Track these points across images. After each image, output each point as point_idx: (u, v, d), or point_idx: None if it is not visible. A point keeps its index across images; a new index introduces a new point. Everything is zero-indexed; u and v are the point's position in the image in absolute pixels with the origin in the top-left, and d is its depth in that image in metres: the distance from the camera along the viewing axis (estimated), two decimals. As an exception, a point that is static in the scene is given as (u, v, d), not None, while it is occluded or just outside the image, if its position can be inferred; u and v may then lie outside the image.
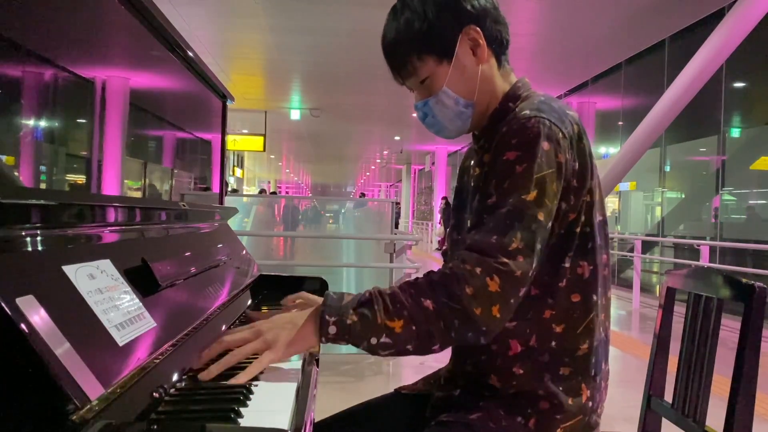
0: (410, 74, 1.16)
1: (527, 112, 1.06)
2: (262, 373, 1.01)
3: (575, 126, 1.10)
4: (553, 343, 1.11)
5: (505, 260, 0.98)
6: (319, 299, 1.33)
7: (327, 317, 0.99)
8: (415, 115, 1.29)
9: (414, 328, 0.98)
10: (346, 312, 0.99)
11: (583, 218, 1.10)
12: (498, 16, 1.16)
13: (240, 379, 0.94)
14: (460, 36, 1.13)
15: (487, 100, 1.17)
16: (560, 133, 1.05)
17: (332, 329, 0.98)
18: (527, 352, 1.11)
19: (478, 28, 1.13)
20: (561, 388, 1.10)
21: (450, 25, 1.13)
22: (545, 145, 1.03)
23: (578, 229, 1.10)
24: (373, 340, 0.98)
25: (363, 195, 28.35)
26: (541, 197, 1.02)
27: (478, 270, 0.98)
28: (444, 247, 1.53)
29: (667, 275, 1.45)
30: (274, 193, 30.29)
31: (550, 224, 1.04)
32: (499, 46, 1.17)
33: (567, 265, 1.10)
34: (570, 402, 1.10)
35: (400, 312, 0.98)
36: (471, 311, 0.96)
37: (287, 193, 44.38)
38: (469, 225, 1.18)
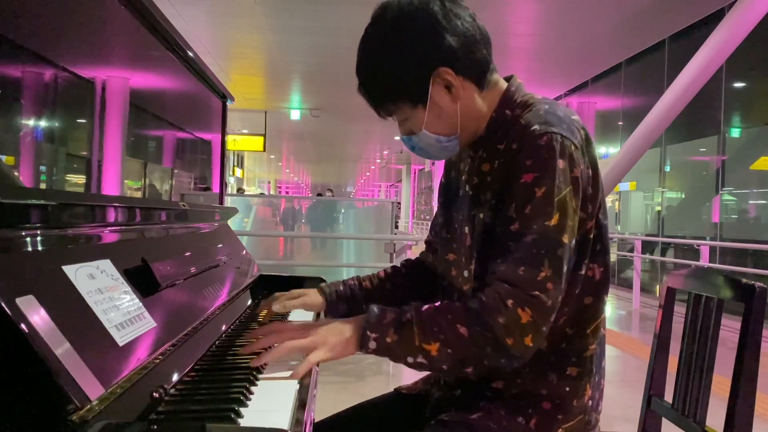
0: (388, 114, 1.14)
1: (537, 127, 1.03)
2: (261, 372, 1.02)
3: (582, 131, 1.08)
4: (564, 344, 1.11)
5: (536, 292, 0.99)
6: (297, 292, 1.33)
7: (368, 333, 1.03)
8: None
9: (450, 351, 1.00)
10: (386, 330, 1.02)
11: (594, 222, 1.09)
12: (472, 43, 1.08)
13: (298, 374, 1.00)
14: (432, 79, 1.07)
15: (474, 124, 1.14)
16: (572, 146, 1.03)
17: (372, 344, 1.03)
18: (536, 354, 1.10)
19: (449, 70, 1.07)
20: (567, 389, 1.10)
21: (419, 71, 1.07)
22: (560, 163, 1.02)
23: (592, 235, 1.09)
24: (410, 359, 1.02)
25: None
26: (564, 219, 1.01)
27: (509, 302, 0.99)
28: (429, 238, 1.52)
29: (667, 275, 1.46)
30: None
31: (573, 242, 1.04)
32: (478, 73, 1.11)
33: (582, 271, 1.09)
34: (574, 402, 1.10)
35: (437, 336, 1.01)
36: (503, 341, 0.98)
37: (287, 193, 44.38)
38: (467, 231, 1.17)
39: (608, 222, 1.14)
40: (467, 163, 1.21)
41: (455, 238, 1.21)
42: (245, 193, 18.41)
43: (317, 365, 1.09)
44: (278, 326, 1.10)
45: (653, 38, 8.60)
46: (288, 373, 1.01)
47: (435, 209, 1.39)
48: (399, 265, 1.42)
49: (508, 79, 1.18)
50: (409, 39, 1.07)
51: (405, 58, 1.07)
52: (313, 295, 1.33)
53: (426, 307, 1.05)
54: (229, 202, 5.70)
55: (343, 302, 1.34)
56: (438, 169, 19.32)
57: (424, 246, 1.44)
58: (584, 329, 1.11)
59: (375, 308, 1.06)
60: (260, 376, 1.00)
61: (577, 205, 1.03)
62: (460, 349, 1.00)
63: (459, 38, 1.07)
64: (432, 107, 1.09)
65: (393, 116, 1.15)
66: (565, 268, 1.01)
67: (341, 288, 1.35)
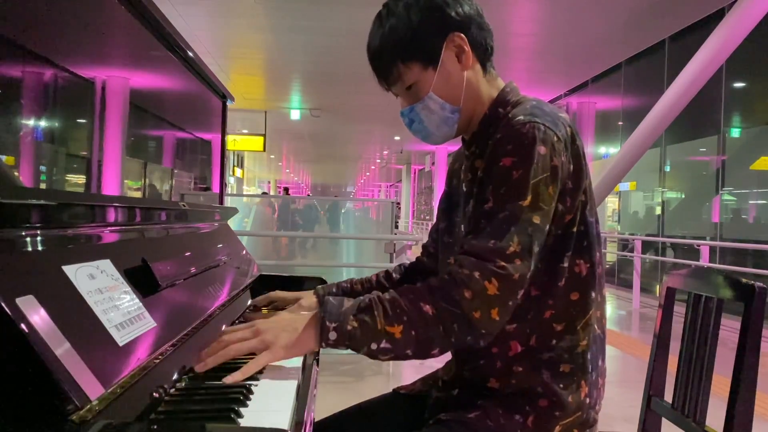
0: (396, 80, 1.17)
1: (521, 117, 1.07)
2: (260, 372, 1.02)
3: (568, 128, 1.11)
4: (553, 341, 1.12)
5: (503, 264, 1.00)
6: (293, 295, 1.36)
7: (327, 323, 0.99)
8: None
9: (413, 333, 0.98)
10: (346, 318, 0.99)
11: (578, 217, 1.11)
12: (482, 23, 1.16)
13: (236, 377, 0.94)
14: (445, 43, 1.13)
15: (473, 105, 1.17)
16: (555, 137, 1.06)
17: (332, 335, 0.99)
18: (527, 351, 1.12)
19: (462, 35, 1.13)
20: (561, 385, 1.11)
21: (435, 32, 1.13)
22: (541, 149, 1.04)
23: (574, 229, 1.11)
24: (373, 346, 0.98)
25: (286, 190, 27.81)
26: (537, 201, 1.03)
27: (476, 274, 0.99)
28: (430, 249, 1.54)
29: (667, 275, 1.46)
30: (265, 193, 30.21)
31: (547, 227, 1.05)
32: (483, 53, 1.17)
33: (565, 264, 1.11)
34: (570, 399, 1.11)
35: (400, 317, 0.99)
36: (470, 315, 0.98)
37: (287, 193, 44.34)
38: (464, 229, 1.19)
39: (595, 220, 1.15)
40: (464, 164, 1.24)
41: (457, 241, 1.23)
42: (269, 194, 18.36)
43: (316, 366, 1.09)
44: (227, 336, 1.02)
45: (653, 38, 8.60)
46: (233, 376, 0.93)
47: (435, 211, 1.41)
48: (391, 270, 1.45)
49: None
50: (430, 2, 1.13)
51: (424, 19, 1.12)
52: (309, 298, 1.36)
53: (386, 293, 1.03)
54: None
55: None
56: (438, 168, 19.37)
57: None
58: (573, 325, 1.12)
59: (331, 299, 1.02)
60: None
61: (554, 192, 1.05)
62: (425, 329, 0.98)
63: (473, 12, 1.15)
64: (442, 70, 1.14)
65: (399, 82, 1.16)
66: (535, 248, 1.03)
67: (334, 290, 1.39)
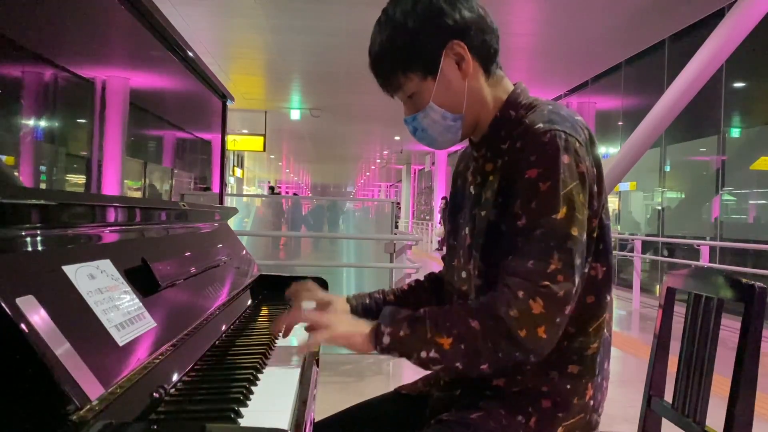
0: (397, 89, 1.16)
1: (540, 125, 1.05)
2: (261, 372, 1.02)
3: (585, 131, 1.10)
4: (565, 343, 1.11)
5: (546, 283, 1.00)
6: (327, 297, 1.35)
7: (383, 327, 1.05)
8: None
9: (462, 346, 1.01)
10: (400, 325, 1.04)
11: (597, 221, 1.10)
12: (484, 26, 1.13)
13: (306, 347, 1.10)
14: (444, 51, 1.10)
15: (477, 110, 1.15)
16: (577, 143, 1.05)
17: (386, 339, 1.04)
18: None
19: (462, 43, 1.10)
20: (568, 387, 1.10)
21: (433, 41, 1.10)
22: (565, 158, 1.03)
23: (595, 234, 1.10)
24: (423, 354, 1.02)
25: (272, 189, 26.59)
26: (572, 212, 1.02)
27: (520, 293, 1.00)
28: (443, 253, 1.54)
29: (667, 275, 1.46)
30: (276, 192, 29.90)
31: (585, 236, 1.04)
32: (486, 57, 1.14)
33: (585, 270, 1.10)
34: (574, 401, 1.10)
35: (450, 329, 1.02)
36: (516, 333, 0.99)
37: (287, 193, 44.38)
38: (468, 232, 1.18)
39: (610, 222, 1.14)
40: (472, 166, 1.23)
41: (460, 243, 1.22)
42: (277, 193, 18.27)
43: (316, 366, 1.09)
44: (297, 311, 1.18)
45: (653, 38, 8.59)
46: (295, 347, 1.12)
47: (436, 211, 1.41)
48: (422, 278, 1.43)
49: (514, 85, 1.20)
50: (428, 10, 1.10)
51: (421, 27, 1.10)
52: (342, 304, 1.33)
53: (439, 307, 1.07)
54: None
55: (370, 315, 1.32)
56: (438, 168, 19.37)
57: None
58: (586, 328, 1.12)
59: (388, 308, 1.10)
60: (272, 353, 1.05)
61: (585, 199, 1.04)
62: (473, 343, 1.00)
63: (474, 16, 1.12)
64: (441, 80, 1.12)
65: (401, 91, 1.15)
66: (577, 261, 1.02)
67: (367, 301, 1.35)
